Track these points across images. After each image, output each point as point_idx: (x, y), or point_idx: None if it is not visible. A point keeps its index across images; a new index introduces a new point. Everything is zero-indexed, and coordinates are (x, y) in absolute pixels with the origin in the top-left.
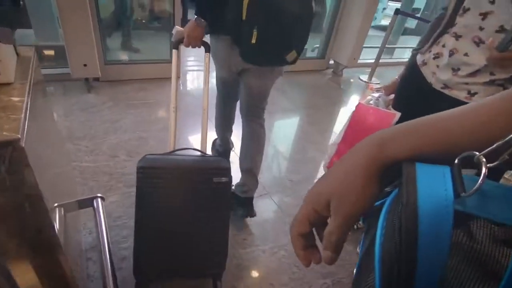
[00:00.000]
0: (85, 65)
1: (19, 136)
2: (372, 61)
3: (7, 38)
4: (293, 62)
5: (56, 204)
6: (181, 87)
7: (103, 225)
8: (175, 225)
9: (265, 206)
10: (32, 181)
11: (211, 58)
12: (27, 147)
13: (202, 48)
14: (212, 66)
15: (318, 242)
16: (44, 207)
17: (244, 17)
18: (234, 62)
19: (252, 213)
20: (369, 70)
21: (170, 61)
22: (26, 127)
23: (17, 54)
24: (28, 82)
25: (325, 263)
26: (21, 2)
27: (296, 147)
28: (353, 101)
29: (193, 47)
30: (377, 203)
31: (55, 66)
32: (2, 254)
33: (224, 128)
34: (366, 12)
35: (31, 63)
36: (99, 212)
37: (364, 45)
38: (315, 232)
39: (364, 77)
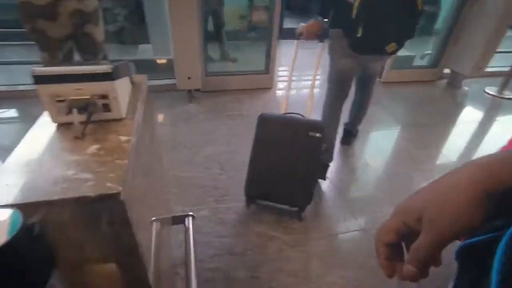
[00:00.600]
0: (189, 77)
1: (121, 189)
2: (504, 69)
3: (126, 71)
4: (393, 53)
5: (153, 218)
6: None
7: (191, 246)
8: (278, 163)
9: (362, 247)
10: (129, 231)
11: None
12: (128, 192)
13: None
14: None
15: None
16: (139, 259)
17: (353, 16)
18: (347, 50)
19: (347, 141)
20: (497, 80)
21: (265, 72)
22: (130, 173)
23: (132, 83)
24: (138, 118)
25: (407, 279)
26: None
27: (398, 173)
28: (475, 120)
29: (311, 38)
30: (477, 238)
31: (165, 77)
32: None
33: (331, 127)
34: (505, 9)
35: (143, 96)
36: (189, 232)
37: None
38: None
39: (492, 90)
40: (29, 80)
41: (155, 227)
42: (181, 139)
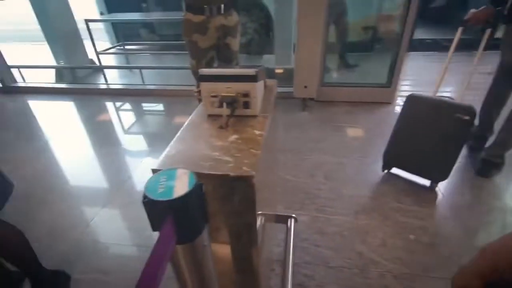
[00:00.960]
0: (305, 86)
1: (254, 173)
2: None
3: (263, 75)
4: None
5: (259, 212)
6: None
7: (291, 247)
8: (420, 137)
9: None
10: (252, 212)
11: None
12: (258, 178)
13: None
14: None
15: None
16: (252, 238)
17: None
18: None
19: (487, 173)
20: None
21: (386, 86)
22: (260, 162)
23: (265, 86)
24: (269, 117)
25: None
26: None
27: None
28: None
29: (478, 25)
30: None
31: (282, 85)
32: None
33: (491, 106)
34: None
35: (273, 98)
36: (290, 233)
37: None
38: None
39: None
40: (175, 81)
41: (260, 220)
42: (290, 144)
